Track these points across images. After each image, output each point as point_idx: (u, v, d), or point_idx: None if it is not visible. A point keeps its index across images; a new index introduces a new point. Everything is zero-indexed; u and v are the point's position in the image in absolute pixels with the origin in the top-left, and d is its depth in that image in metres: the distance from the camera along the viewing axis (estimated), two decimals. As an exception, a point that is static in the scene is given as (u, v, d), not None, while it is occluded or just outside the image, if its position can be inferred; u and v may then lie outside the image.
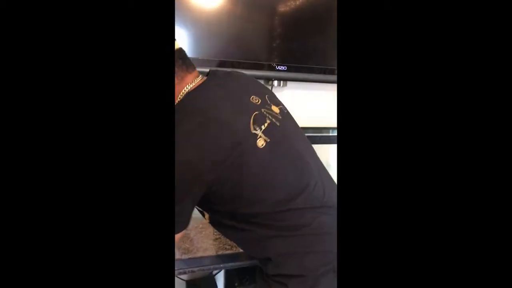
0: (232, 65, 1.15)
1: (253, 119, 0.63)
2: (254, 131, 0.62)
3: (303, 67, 1.23)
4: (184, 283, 1.30)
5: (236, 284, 1.11)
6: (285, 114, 0.74)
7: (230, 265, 1.01)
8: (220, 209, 0.63)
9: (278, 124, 0.68)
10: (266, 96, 0.72)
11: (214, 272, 1.33)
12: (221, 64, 1.15)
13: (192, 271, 1.00)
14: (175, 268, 0.97)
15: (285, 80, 1.28)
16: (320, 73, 1.27)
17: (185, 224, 0.61)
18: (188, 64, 0.67)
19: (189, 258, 1.01)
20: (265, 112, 0.67)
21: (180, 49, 0.66)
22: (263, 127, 0.64)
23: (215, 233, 1.15)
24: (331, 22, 1.26)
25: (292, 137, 0.70)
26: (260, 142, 0.62)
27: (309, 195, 0.66)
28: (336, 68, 1.30)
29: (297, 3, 1.21)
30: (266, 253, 0.66)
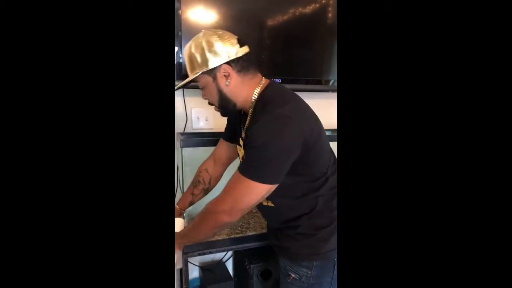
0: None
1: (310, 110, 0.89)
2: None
3: (294, 79, 1.42)
4: (198, 268, 1.48)
5: (246, 264, 1.30)
6: None
7: (241, 246, 1.21)
8: (302, 171, 0.85)
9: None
10: None
11: (225, 259, 1.51)
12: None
13: (210, 252, 1.20)
14: (195, 250, 1.16)
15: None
16: (307, 83, 1.48)
17: (281, 179, 0.81)
18: (256, 64, 0.89)
19: (207, 242, 1.20)
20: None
21: (250, 52, 0.87)
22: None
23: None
24: (316, 36, 1.44)
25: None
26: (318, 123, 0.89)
27: (332, 167, 0.92)
28: (321, 78, 1.51)
29: (285, 17, 1.38)
30: (313, 205, 0.90)
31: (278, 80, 1.39)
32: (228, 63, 0.83)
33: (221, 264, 1.49)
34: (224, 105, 0.89)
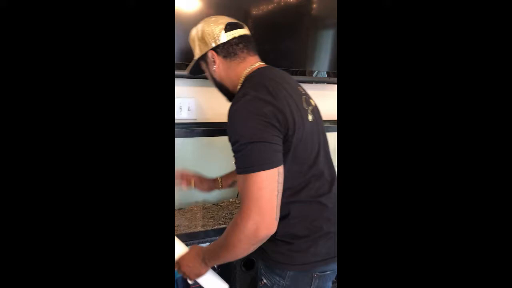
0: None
1: (303, 99, 0.84)
2: (305, 108, 0.83)
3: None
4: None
5: (229, 254, 1.31)
6: (317, 108, 0.93)
7: (224, 237, 1.21)
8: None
9: (316, 111, 0.89)
10: (305, 91, 0.93)
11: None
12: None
13: (193, 244, 1.19)
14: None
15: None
16: (291, 74, 1.46)
17: (279, 162, 0.72)
18: (251, 48, 0.87)
19: (190, 233, 1.20)
20: (309, 99, 0.89)
21: (245, 35, 0.87)
22: (310, 108, 0.85)
23: (211, 212, 1.34)
24: (301, 27, 1.43)
25: (321, 125, 0.91)
26: (310, 117, 0.83)
27: (317, 169, 0.84)
28: (305, 69, 1.51)
29: (269, 7, 1.37)
30: (287, 209, 0.80)
31: (262, 71, 1.38)
32: (214, 49, 0.86)
33: (204, 254, 1.49)
34: (221, 90, 0.94)
